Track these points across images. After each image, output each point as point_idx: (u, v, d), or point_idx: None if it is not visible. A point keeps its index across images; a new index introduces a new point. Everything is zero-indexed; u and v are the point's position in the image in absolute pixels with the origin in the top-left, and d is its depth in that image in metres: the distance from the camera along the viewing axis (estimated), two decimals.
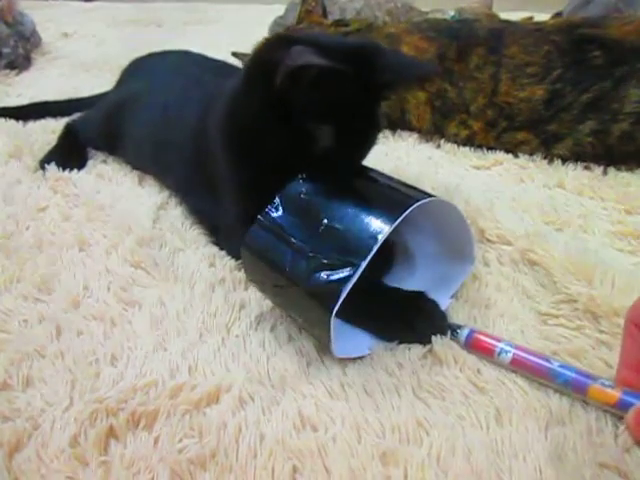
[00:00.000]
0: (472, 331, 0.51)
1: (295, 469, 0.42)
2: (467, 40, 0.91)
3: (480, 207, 0.70)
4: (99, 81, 1.20)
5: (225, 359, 0.51)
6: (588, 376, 0.46)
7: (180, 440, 0.43)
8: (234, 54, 1.18)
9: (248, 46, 1.27)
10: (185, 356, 0.51)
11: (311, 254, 0.46)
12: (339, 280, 0.44)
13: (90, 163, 0.86)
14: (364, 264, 0.44)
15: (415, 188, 0.52)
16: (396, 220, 0.45)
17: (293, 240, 0.48)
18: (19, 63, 1.37)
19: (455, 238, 0.57)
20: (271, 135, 0.52)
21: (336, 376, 0.49)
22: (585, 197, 0.78)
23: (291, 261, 0.47)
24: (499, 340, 0.50)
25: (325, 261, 0.45)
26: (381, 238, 0.44)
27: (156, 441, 0.43)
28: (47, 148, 0.88)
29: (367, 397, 0.47)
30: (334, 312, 0.44)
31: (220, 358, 0.51)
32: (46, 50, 1.55)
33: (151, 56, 0.92)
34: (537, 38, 0.87)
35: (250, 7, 2.24)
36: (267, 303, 0.57)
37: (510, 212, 0.72)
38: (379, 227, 0.45)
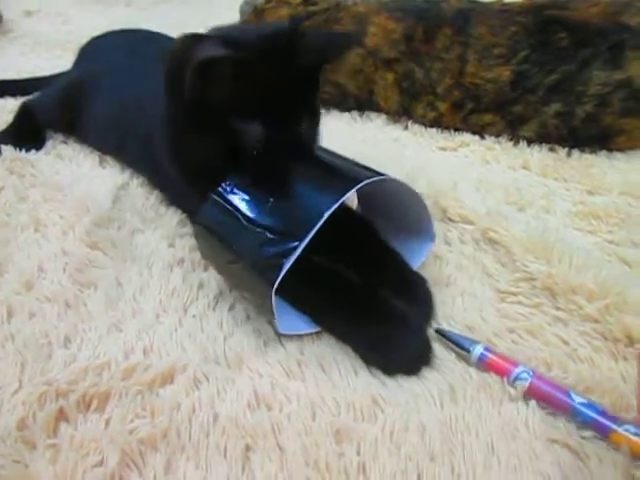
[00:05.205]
0: (486, 350, 0.48)
1: (248, 447, 0.41)
2: (434, 20, 0.90)
3: (443, 187, 0.70)
4: (62, 61, 1.15)
5: (181, 339, 0.50)
6: (612, 419, 0.42)
7: (131, 421, 0.42)
8: None
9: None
10: (140, 337, 0.50)
11: (258, 230, 0.47)
12: (282, 253, 0.44)
13: (49, 143, 0.83)
14: (307, 239, 0.44)
15: (367, 167, 0.52)
16: (341, 197, 0.45)
17: (241, 217, 0.48)
18: None
19: (414, 217, 0.57)
20: (200, 139, 0.51)
21: (293, 355, 0.49)
22: (549, 178, 0.79)
23: (239, 237, 0.48)
24: (516, 365, 0.46)
25: (270, 236, 0.46)
26: (326, 214, 0.44)
27: (107, 422, 0.43)
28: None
29: (324, 375, 0.47)
30: (275, 285, 0.44)
31: (176, 338, 0.50)
32: (7, 28, 1.49)
33: (110, 35, 0.89)
34: (504, 19, 0.87)
35: None
36: (226, 283, 0.56)
37: (474, 192, 0.72)
38: (326, 204, 0.45)
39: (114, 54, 0.81)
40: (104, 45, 0.87)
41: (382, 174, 0.51)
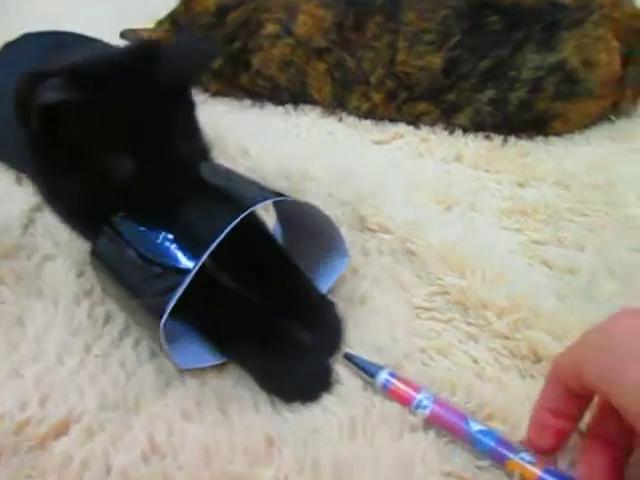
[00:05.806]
0: (391, 375, 0.47)
1: None
2: (364, 7, 0.86)
3: (366, 192, 0.68)
4: None
5: (81, 383, 0.48)
6: (508, 447, 0.41)
7: None
8: (123, 35, 1.06)
9: (144, 14, 1.18)
10: (39, 383, 0.48)
11: (147, 264, 0.45)
12: (170, 287, 0.43)
13: None
14: (193, 272, 0.42)
15: (262, 187, 0.50)
16: (228, 226, 0.43)
17: (132, 250, 0.47)
18: None
19: (329, 233, 0.56)
20: (63, 179, 0.49)
21: (192, 395, 0.47)
22: (480, 170, 0.77)
23: (130, 271, 0.47)
24: (418, 391, 0.45)
25: (159, 271, 0.45)
26: (213, 245, 0.43)
27: None
28: None
29: (222, 417, 0.46)
30: (163, 322, 0.43)
31: (77, 382, 0.49)
32: None
33: (24, 40, 0.83)
34: (435, 3, 0.83)
35: None
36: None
37: (398, 195, 0.69)
38: (215, 232, 0.43)
39: (25, 63, 0.76)
40: (16, 53, 0.82)
41: (281, 194, 0.49)
